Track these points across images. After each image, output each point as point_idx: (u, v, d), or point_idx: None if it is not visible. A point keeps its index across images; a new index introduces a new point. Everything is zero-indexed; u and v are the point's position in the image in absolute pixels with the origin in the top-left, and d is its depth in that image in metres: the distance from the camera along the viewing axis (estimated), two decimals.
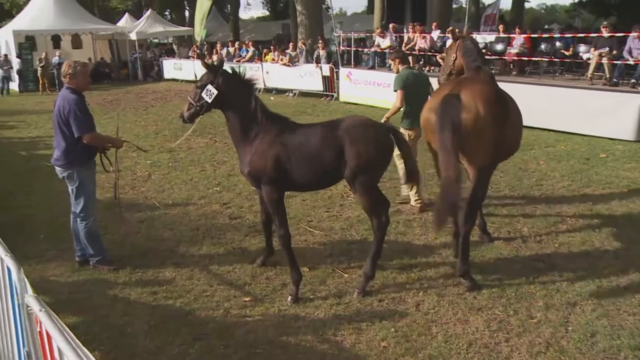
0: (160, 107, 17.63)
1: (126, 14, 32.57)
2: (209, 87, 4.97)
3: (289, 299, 4.90)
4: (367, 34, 21.94)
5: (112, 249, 6.12)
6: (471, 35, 6.59)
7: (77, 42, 28.45)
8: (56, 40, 27.94)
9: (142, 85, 25.32)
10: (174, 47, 32.15)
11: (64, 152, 5.36)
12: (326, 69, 17.61)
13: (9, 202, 8.13)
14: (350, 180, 4.68)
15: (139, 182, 8.98)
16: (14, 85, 24.92)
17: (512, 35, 15.25)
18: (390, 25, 18.65)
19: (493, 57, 15.15)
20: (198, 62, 23.87)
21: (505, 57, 14.98)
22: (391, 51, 9.94)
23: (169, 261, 5.84)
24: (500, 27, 16.17)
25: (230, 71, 5.05)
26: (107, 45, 30.46)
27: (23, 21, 26.45)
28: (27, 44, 25.71)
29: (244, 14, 50.71)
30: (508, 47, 15.12)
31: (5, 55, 24.96)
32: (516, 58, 14.69)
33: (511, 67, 15.07)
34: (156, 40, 37.97)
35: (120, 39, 29.04)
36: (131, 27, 28.91)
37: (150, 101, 19.25)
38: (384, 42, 17.76)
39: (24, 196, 8.42)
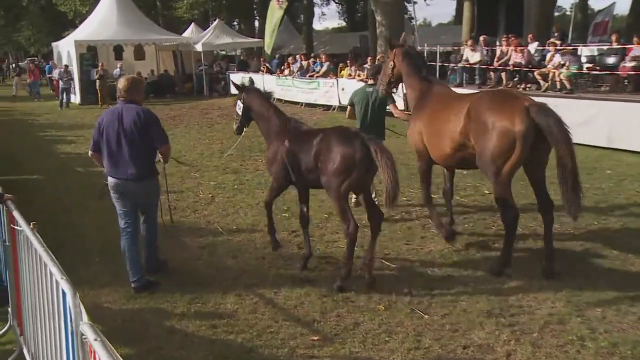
0: (226, 124, 18.16)
1: (192, 24, 34.02)
2: (238, 102, 6.96)
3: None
4: (455, 47, 21.82)
5: (170, 275, 6.30)
6: (406, 43, 7.63)
7: (139, 53, 29.86)
8: (118, 51, 29.54)
9: (207, 100, 26.23)
10: (243, 59, 33.16)
11: (143, 165, 5.89)
12: None
13: (64, 220, 8.58)
14: (323, 185, 5.87)
15: (201, 204, 9.25)
16: (75, 98, 26.53)
17: (629, 46, 14.69)
18: (481, 38, 18.46)
19: (603, 71, 14.64)
20: (269, 77, 24.53)
21: (619, 72, 14.44)
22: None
23: (231, 292, 5.94)
24: (614, 36, 15.61)
25: (254, 88, 7.00)
26: (171, 57, 31.83)
27: (85, 31, 28.18)
28: (88, 54, 27.30)
29: (318, 25, 51.82)
30: (623, 60, 14.59)
31: (66, 66, 26.62)
32: (632, 72, 14.11)
33: (625, 82, 14.50)
34: (223, 52, 39.32)
35: (185, 51, 30.30)
36: (197, 38, 30.15)
37: (215, 118, 19.89)
38: (474, 57, 17.57)
39: (79, 214, 8.87)
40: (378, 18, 22.81)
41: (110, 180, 5.95)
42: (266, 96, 6.81)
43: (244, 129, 7.08)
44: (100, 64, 26.21)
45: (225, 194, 9.84)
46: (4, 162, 12.60)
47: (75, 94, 26.70)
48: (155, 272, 6.35)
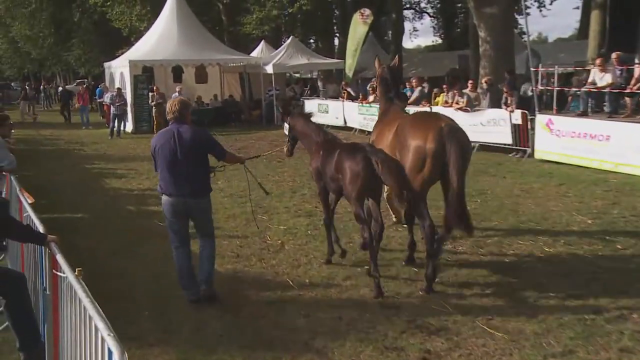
0: (299, 158, 18.34)
1: (262, 42, 34.89)
2: (285, 124, 9.03)
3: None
4: (578, 68, 21.33)
5: (230, 334, 6.36)
6: (394, 65, 9.80)
7: (201, 75, 30.92)
8: (177, 72, 30.64)
9: (277, 130, 26.66)
10: (319, 83, 33.66)
11: (203, 183, 7.29)
12: (518, 115, 17.29)
13: (112, 266, 8.87)
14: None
15: (269, 252, 9.36)
16: (128, 126, 27.55)
17: None
18: (614, 55, 17.87)
19: None
20: (349, 104, 24.77)
21: None
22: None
23: (302, 357, 5.93)
24: None
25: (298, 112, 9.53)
26: (237, 80, 32.78)
27: (141, 50, 29.39)
28: (143, 76, 28.28)
29: (408, 43, 51.93)
30: None
31: (119, 90, 27.52)
32: None
33: None
34: (297, 75, 40.11)
35: (254, 73, 31.11)
36: (267, 58, 30.92)
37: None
38: (604, 79, 17.08)
39: (129, 260, 9.14)
40: (482, 34, 22.49)
41: (167, 199, 7.23)
42: (307, 116, 8.95)
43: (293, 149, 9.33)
44: (155, 88, 27.04)
45: (297, 240, 9.91)
46: (46, 197, 13.21)
47: (128, 121, 27.65)
48: (207, 292, 7.39)
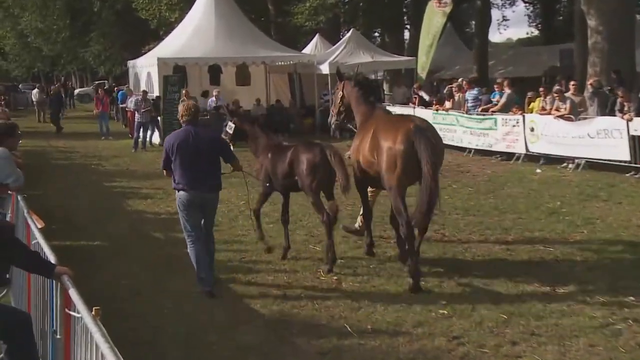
0: None
1: (316, 36, 34.93)
2: (230, 123, 11.45)
3: None
4: None
5: None
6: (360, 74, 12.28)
7: (243, 76, 30.98)
8: (215, 72, 30.73)
9: (334, 142, 26.68)
10: (385, 86, 33.57)
11: (218, 179, 9.57)
12: (638, 124, 16.93)
13: (133, 305, 9.01)
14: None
15: (322, 291, 9.39)
16: (155, 136, 27.69)
17: None
18: None
19: None
20: (422, 111, 24.62)
21: None
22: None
23: None
24: None
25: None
26: (286, 82, 32.91)
27: (172, 45, 29.90)
28: (174, 77, 28.28)
29: (496, 35, 50.66)
30: None
31: (145, 93, 27.81)
32: None
33: None
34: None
35: (306, 73, 31.27)
36: (323, 56, 31.12)
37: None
38: None
39: (154, 298, 9.28)
40: (591, 22, 21.94)
41: (186, 194, 9.30)
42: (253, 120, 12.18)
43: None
44: (184, 92, 26.87)
45: (357, 277, 9.90)
46: (58, 222, 13.50)
47: (155, 130, 27.81)
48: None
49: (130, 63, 33.87)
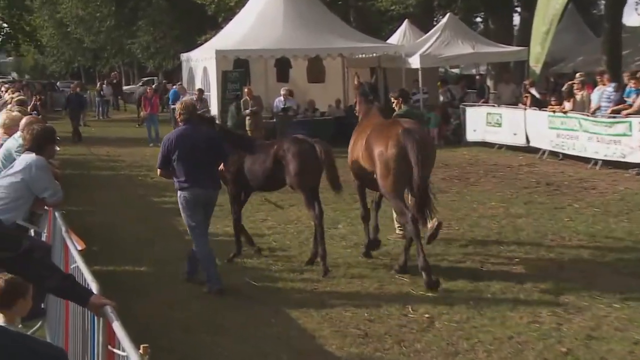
0: (458, 194, 18.40)
1: (404, 23, 34.63)
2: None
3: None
4: None
5: None
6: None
7: (316, 72, 30.90)
8: (283, 67, 30.83)
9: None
10: (488, 82, 33.09)
11: (217, 177, 11.45)
12: None
13: (186, 343, 9.09)
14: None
15: (411, 331, 9.34)
16: None
17: None
18: None
19: None
20: (534, 113, 24.27)
21: None
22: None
23: None
24: None
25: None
26: (369, 78, 32.63)
27: (232, 36, 30.23)
28: (235, 73, 28.78)
29: (632, 17, 47.84)
30: None
31: (200, 92, 28.20)
32: None
33: None
34: (456, 71, 39.63)
35: (392, 67, 31.04)
36: (412, 47, 30.95)
37: (440, 181, 20.04)
38: None
39: (209, 335, 9.35)
40: None
41: (190, 192, 10.94)
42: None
43: None
44: (246, 90, 26.84)
45: (453, 315, 9.84)
46: (99, 243, 13.68)
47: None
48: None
49: (184, 56, 34.27)
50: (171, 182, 11.71)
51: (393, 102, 14.95)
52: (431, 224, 12.33)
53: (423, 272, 10.87)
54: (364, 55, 31.26)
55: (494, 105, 27.73)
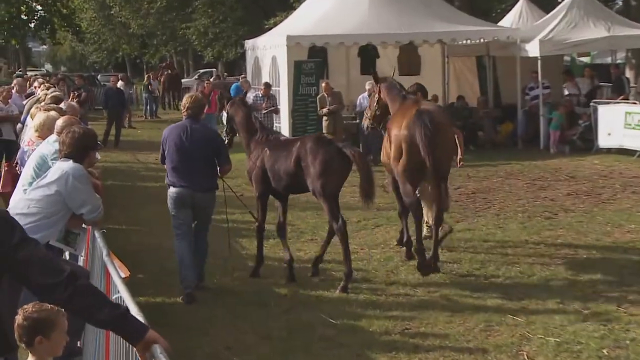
0: (587, 214, 18.15)
1: (520, 2, 34.17)
2: (223, 112, 19.00)
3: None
4: None
5: None
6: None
7: (410, 62, 30.58)
8: (368, 57, 30.98)
9: (545, 160, 26.28)
10: (627, 72, 32.41)
11: (211, 178, 12.66)
12: None
13: None
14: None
15: None
16: None
17: None
18: None
19: None
20: None
21: None
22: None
23: None
24: None
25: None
26: (474, 70, 32.57)
27: (307, 19, 30.32)
28: (310, 63, 28.89)
29: None
30: None
31: (267, 86, 27.96)
32: None
33: None
34: (585, 60, 38.94)
35: (503, 56, 31.11)
36: (529, 30, 30.60)
37: (565, 198, 19.91)
38: None
39: None
40: None
41: (175, 190, 12.45)
42: (249, 108, 14.70)
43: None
44: (323, 85, 26.96)
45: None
46: (147, 269, 13.95)
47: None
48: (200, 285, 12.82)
49: (249, 43, 34.31)
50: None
51: None
52: (442, 229, 14.06)
53: (417, 254, 13.27)
54: (468, 42, 30.96)
55: (634, 103, 27.23)
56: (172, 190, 12.52)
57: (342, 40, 28.92)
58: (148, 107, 50.55)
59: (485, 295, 12.19)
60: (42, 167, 10.07)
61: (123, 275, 7.57)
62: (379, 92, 15.12)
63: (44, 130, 11.78)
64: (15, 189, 10.39)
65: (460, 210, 18.38)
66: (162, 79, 55.10)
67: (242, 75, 35.41)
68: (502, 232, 16.21)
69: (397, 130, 13.25)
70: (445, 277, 13.13)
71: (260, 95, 27.59)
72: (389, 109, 14.74)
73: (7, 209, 9.21)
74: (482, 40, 30.76)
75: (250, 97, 28.12)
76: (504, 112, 31.04)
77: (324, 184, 12.50)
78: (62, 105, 14.76)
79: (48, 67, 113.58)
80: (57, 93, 19.36)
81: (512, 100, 30.93)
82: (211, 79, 44.48)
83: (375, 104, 15.38)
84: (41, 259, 5.66)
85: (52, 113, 12.51)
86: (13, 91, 24.42)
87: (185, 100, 12.96)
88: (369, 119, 15.64)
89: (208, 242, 13.18)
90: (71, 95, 29.39)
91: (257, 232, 13.91)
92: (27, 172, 10.39)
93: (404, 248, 14.65)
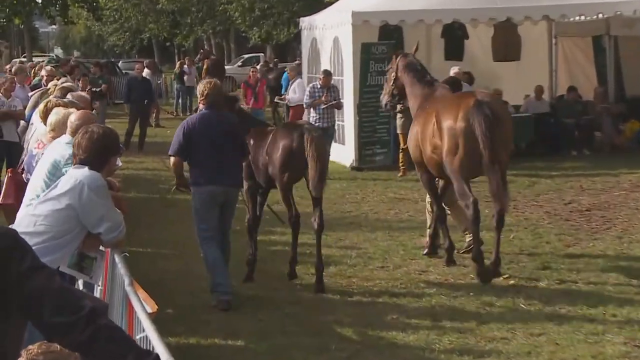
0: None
1: None
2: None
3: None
4: None
5: None
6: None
7: (507, 44, 31.07)
8: (454, 38, 31.40)
9: None
10: None
11: (240, 172, 13.96)
12: None
13: None
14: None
15: None
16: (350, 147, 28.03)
17: None
18: None
19: None
20: None
21: None
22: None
23: None
24: None
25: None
26: (590, 54, 32.36)
27: None
28: (382, 46, 28.90)
29: None
30: None
31: (327, 74, 27.52)
32: None
33: None
34: None
35: (628, 36, 31.09)
36: None
37: None
38: None
39: None
40: None
41: (205, 189, 13.49)
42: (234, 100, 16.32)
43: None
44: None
45: None
46: (177, 302, 14.03)
47: (346, 142, 28.50)
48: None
49: (305, 22, 34.32)
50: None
51: None
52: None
53: (475, 261, 14.64)
54: (582, 18, 30.75)
55: None
56: (201, 190, 13.53)
57: (421, 17, 28.81)
58: (180, 101, 50.68)
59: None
60: (55, 175, 9.66)
61: (150, 311, 7.47)
62: (396, 68, 16.79)
63: (63, 130, 10.92)
64: (22, 203, 9.91)
65: (572, 232, 18.35)
66: (205, 65, 55.03)
67: (296, 61, 35.24)
68: (626, 261, 16.18)
69: (451, 122, 14.54)
70: (551, 318, 13.08)
71: (319, 86, 27.01)
72: (407, 93, 16.52)
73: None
74: (599, 15, 30.27)
75: (306, 89, 28.35)
76: (628, 108, 30.81)
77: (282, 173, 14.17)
78: (68, 95, 14.37)
79: (58, 51, 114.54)
80: (69, 84, 19.12)
81: (639, 93, 30.73)
82: (258, 66, 44.61)
83: (392, 83, 17.02)
84: (56, 291, 5.48)
85: (73, 109, 11.62)
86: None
87: (204, 86, 13.78)
88: (387, 96, 17.41)
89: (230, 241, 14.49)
90: (87, 89, 28.61)
91: (248, 227, 15.34)
92: (36, 181, 10.03)
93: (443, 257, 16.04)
